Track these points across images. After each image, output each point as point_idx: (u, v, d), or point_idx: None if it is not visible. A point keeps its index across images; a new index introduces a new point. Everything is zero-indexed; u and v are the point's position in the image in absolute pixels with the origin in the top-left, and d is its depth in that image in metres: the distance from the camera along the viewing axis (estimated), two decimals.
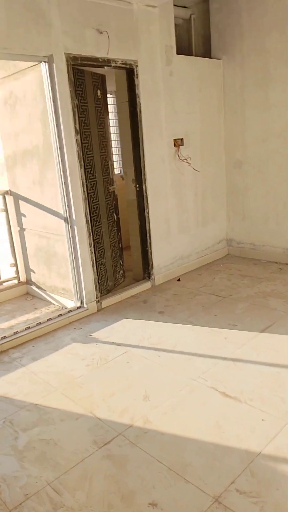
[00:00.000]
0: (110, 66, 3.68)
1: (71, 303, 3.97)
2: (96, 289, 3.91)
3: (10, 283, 4.61)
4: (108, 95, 5.68)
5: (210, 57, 4.83)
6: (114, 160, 6.01)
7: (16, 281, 4.62)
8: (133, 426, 2.33)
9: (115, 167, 6.06)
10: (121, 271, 4.42)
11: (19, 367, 3.05)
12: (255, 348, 3.04)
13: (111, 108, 5.82)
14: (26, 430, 2.37)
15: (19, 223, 4.36)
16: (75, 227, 3.66)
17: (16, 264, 4.58)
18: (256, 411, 2.36)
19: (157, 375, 2.82)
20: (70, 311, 3.83)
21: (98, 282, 3.94)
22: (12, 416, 2.50)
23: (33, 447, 2.24)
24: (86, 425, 2.37)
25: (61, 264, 3.98)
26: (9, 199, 4.36)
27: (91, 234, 3.81)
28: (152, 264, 4.42)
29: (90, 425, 2.37)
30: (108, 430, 2.32)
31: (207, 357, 2.97)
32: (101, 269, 4.03)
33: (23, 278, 4.61)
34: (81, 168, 3.60)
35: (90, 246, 3.80)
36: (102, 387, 2.71)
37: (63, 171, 3.53)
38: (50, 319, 3.69)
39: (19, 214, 4.31)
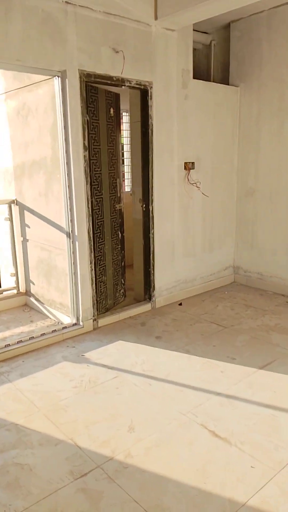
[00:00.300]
0: (124, 85, 3.68)
1: (67, 319, 3.89)
2: (93, 307, 3.81)
3: (9, 293, 4.55)
4: (123, 113, 5.74)
5: (227, 84, 4.82)
6: (126, 178, 6.02)
7: (15, 291, 4.56)
8: (114, 459, 2.20)
9: (125, 185, 6.07)
10: (122, 290, 4.33)
11: (5, 383, 2.95)
12: (252, 385, 2.89)
13: (125, 126, 5.86)
14: (2, 451, 2.26)
15: (23, 233, 4.32)
16: (77, 243, 3.60)
17: (16, 274, 4.52)
18: (246, 456, 2.21)
19: (145, 405, 2.69)
20: (65, 327, 3.73)
21: (96, 300, 3.85)
22: None
23: (7, 471, 2.12)
24: (65, 453, 2.25)
25: (61, 278, 3.91)
26: (15, 209, 4.34)
27: (93, 250, 3.74)
28: (154, 286, 4.33)
29: (69, 453, 2.25)
30: (86, 461, 2.19)
31: (200, 391, 2.83)
32: (101, 287, 3.95)
33: (22, 288, 4.55)
34: (87, 184, 3.55)
35: (91, 263, 3.73)
36: (87, 413, 2.59)
37: (68, 185, 3.50)
38: (43, 334, 3.60)
39: (23, 224, 4.28)
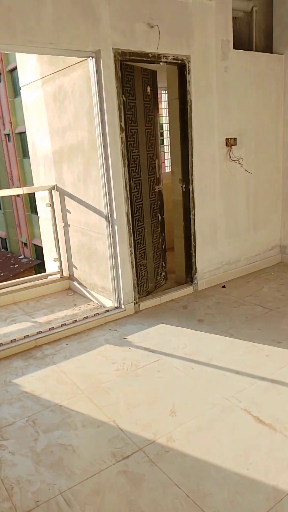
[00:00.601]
0: (161, 61, 3.54)
1: (109, 303, 3.92)
2: (134, 291, 3.81)
3: (53, 277, 4.65)
4: (162, 91, 5.58)
5: (271, 52, 4.52)
6: (165, 158, 5.89)
7: (59, 276, 4.65)
8: (155, 443, 2.21)
9: (165, 165, 5.95)
10: (163, 273, 4.29)
11: (50, 365, 3.04)
12: None
13: (163, 104, 5.70)
14: (47, 432, 2.33)
15: (64, 219, 4.37)
16: (116, 227, 3.59)
17: (60, 259, 4.61)
18: None
19: (187, 389, 2.66)
20: (107, 310, 3.77)
21: (137, 283, 3.84)
22: (36, 416, 2.47)
23: (51, 451, 2.19)
24: (107, 435, 2.28)
25: (101, 262, 3.93)
26: (55, 195, 4.39)
27: (132, 234, 3.71)
28: (195, 268, 4.24)
29: (111, 435, 2.28)
30: (128, 443, 2.21)
31: (244, 375, 2.76)
32: (141, 270, 3.93)
33: (66, 273, 4.64)
34: (124, 166, 3.50)
35: (131, 247, 3.71)
36: (129, 396, 2.61)
37: (106, 169, 3.46)
38: (86, 317, 3.66)
39: (64, 210, 4.33)
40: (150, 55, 3.45)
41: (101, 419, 2.41)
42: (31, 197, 18.87)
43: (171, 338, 3.32)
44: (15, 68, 16.94)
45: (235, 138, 4.22)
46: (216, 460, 2.06)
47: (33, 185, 4.75)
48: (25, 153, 18.69)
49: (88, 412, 2.48)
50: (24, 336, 3.32)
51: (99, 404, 2.54)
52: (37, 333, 3.39)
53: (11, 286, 4.33)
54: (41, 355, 3.17)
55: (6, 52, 3.54)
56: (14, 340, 3.27)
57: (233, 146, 4.23)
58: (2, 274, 17.58)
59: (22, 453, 2.18)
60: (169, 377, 2.79)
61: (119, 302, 3.81)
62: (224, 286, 4.38)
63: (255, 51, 4.47)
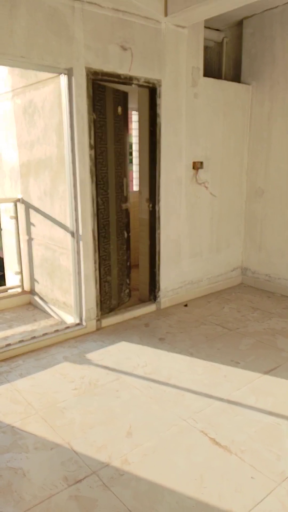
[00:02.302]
0: (133, 83, 3.61)
1: (70, 319, 3.85)
2: (97, 307, 3.77)
3: (13, 291, 4.54)
4: (132, 112, 5.68)
5: (239, 82, 4.72)
6: (133, 177, 5.96)
7: (20, 290, 4.54)
8: (110, 466, 2.16)
9: (133, 184, 6.00)
10: (127, 290, 4.28)
11: (4, 383, 2.93)
12: (255, 391, 2.81)
13: (134, 125, 5.79)
14: None
15: (28, 232, 4.30)
16: (81, 242, 3.56)
17: (21, 273, 4.51)
18: (246, 466, 2.14)
19: (145, 409, 2.63)
20: (67, 327, 3.70)
21: (100, 300, 3.81)
22: None
23: (0, 475, 2.09)
24: (60, 458, 2.21)
25: (64, 277, 3.87)
26: (20, 207, 4.32)
27: (98, 250, 3.69)
28: (159, 286, 4.27)
29: (64, 458, 2.21)
30: (82, 466, 2.15)
31: (202, 395, 2.77)
32: (105, 287, 3.90)
33: (27, 287, 4.53)
34: (92, 183, 3.51)
35: (95, 263, 3.68)
36: (85, 416, 2.55)
37: (73, 185, 3.45)
38: (46, 333, 3.57)
39: (28, 223, 4.26)
40: (122, 77, 3.51)
41: (55, 440, 2.34)
42: None
43: (132, 356, 3.29)
44: None
45: (201, 162, 4.34)
46: (171, 483, 2.04)
47: None
48: None
49: (41, 433, 2.40)
50: None
51: (53, 425, 2.47)
52: None
53: None
54: None
55: None
56: None
57: (199, 170, 4.34)
58: None
59: None
60: (127, 396, 2.76)
61: (81, 319, 3.75)
62: (186, 305, 4.42)
63: (224, 79, 4.66)
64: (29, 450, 2.26)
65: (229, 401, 2.71)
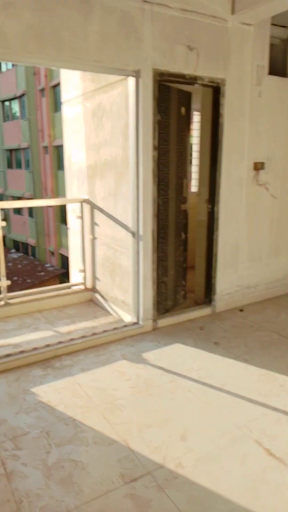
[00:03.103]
0: (197, 83, 3.60)
1: (128, 317, 3.95)
2: (154, 308, 3.83)
3: (77, 288, 4.73)
4: (194, 112, 5.62)
5: None
6: (192, 178, 5.90)
7: (82, 287, 4.73)
8: (164, 467, 2.20)
9: (191, 185, 5.96)
10: (183, 292, 4.29)
11: (67, 376, 3.08)
12: None
13: (195, 125, 5.73)
14: (59, 445, 2.37)
15: (92, 232, 4.45)
16: (141, 243, 3.63)
17: (84, 271, 4.68)
18: None
19: (199, 413, 2.65)
20: (125, 326, 3.80)
21: (157, 300, 3.86)
22: (50, 428, 2.51)
23: (62, 466, 2.22)
24: (117, 454, 2.30)
25: (124, 277, 3.97)
26: (86, 208, 4.48)
27: (156, 251, 3.75)
28: (214, 290, 4.23)
29: (121, 455, 2.29)
30: (137, 465, 2.22)
31: (257, 404, 2.73)
32: (161, 288, 3.95)
33: (89, 285, 4.71)
34: (154, 184, 3.56)
35: (154, 263, 3.74)
36: (141, 415, 2.62)
37: (136, 186, 3.53)
38: (105, 331, 3.70)
39: (92, 223, 4.41)
40: (187, 77, 3.51)
41: (113, 437, 2.43)
42: (62, 208, 19.25)
43: (186, 359, 3.31)
44: (57, 84, 17.47)
45: (263, 163, 4.22)
46: (224, 491, 2.04)
47: (65, 197, 4.88)
48: (60, 165, 19.18)
49: (100, 428, 2.51)
50: (45, 345, 3.39)
51: (111, 421, 2.56)
52: (58, 343, 3.45)
53: (37, 294, 4.43)
54: (60, 366, 3.22)
55: (52, 67, 3.70)
56: (35, 348, 3.34)
57: (260, 170, 4.22)
58: (28, 280, 17.93)
59: (34, 465, 2.22)
60: (182, 399, 2.79)
61: (138, 318, 3.83)
62: (241, 310, 4.34)
63: None
64: (88, 443, 2.38)
65: (285, 412, 2.64)
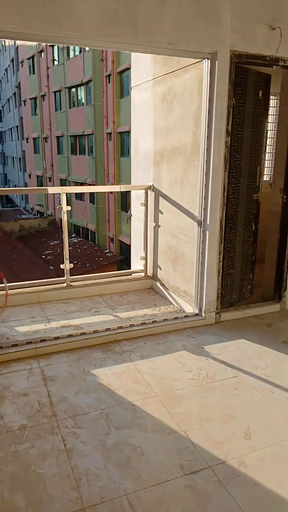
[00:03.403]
0: (278, 65, 3.38)
1: (189, 308, 3.85)
2: (217, 300, 3.70)
3: (137, 275, 4.71)
4: (271, 97, 5.33)
5: None
6: (265, 166, 5.63)
7: (143, 274, 4.70)
8: (226, 463, 2.10)
9: (264, 174, 5.68)
10: (249, 286, 4.11)
11: (126, 361, 3.07)
12: None
13: (272, 110, 5.44)
14: (118, 428, 2.35)
15: (156, 219, 4.40)
16: (207, 232, 3.51)
17: (146, 258, 4.65)
18: None
19: (265, 413, 2.50)
20: (186, 316, 3.71)
21: (221, 293, 3.72)
22: (109, 410, 2.51)
23: (121, 449, 2.20)
24: (177, 445, 2.23)
25: (187, 266, 3.87)
26: (151, 195, 4.43)
27: (223, 241, 3.60)
28: (285, 285, 4.00)
29: (180, 445, 2.23)
30: (197, 458, 2.14)
31: None
32: (227, 280, 3.80)
33: (150, 272, 4.67)
34: (225, 171, 3.41)
35: (220, 254, 3.60)
36: (202, 408, 2.53)
37: (206, 172, 3.40)
38: (166, 319, 3.64)
39: (157, 210, 4.35)
40: (268, 58, 3.31)
41: (172, 427, 2.37)
42: (123, 195, 19.46)
43: (252, 356, 3.16)
44: (124, 70, 17.57)
45: None
46: None
47: (128, 184, 4.86)
48: (123, 152, 19.35)
49: (159, 416, 2.45)
50: (105, 329, 3.40)
51: (171, 411, 2.50)
52: (118, 327, 3.45)
53: (98, 278, 4.47)
54: (119, 350, 3.22)
55: (126, 51, 3.65)
56: (96, 331, 3.37)
57: None
58: (87, 265, 18.44)
59: (93, 445, 2.21)
60: (246, 396, 2.65)
61: (200, 310, 3.72)
62: None
63: None
64: (147, 430, 2.33)
65: None
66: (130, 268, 5.02)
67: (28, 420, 2.39)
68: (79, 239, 23.74)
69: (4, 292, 3.48)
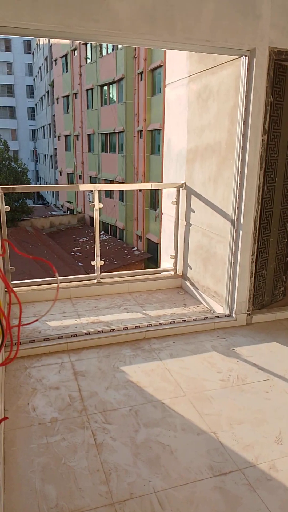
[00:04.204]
0: None
1: (220, 309, 3.81)
2: (249, 301, 3.64)
3: (166, 274, 4.70)
4: None
5: None
6: None
7: (172, 273, 4.69)
8: (256, 467, 2.07)
9: None
10: (282, 288, 4.02)
11: (155, 359, 3.07)
12: None
13: None
14: (147, 426, 2.35)
15: (187, 218, 4.37)
16: (241, 232, 3.46)
17: (176, 257, 4.63)
18: None
19: None
20: (217, 317, 3.68)
21: (253, 294, 3.66)
22: (139, 407, 2.52)
23: (150, 446, 2.20)
24: (206, 445, 2.21)
25: (218, 266, 3.83)
26: (183, 193, 4.40)
27: (257, 241, 3.54)
28: None
29: (210, 446, 2.21)
30: (227, 460, 2.11)
31: None
32: (259, 281, 3.73)
33: (179, 271, 4.65)
34: (261, 170, 3.34)
35: (253, 254, 3.54)
36: (232, 410, 2.50)
37: (240, 171, 3.35)
38: (195, 319, 3.62)
39: (188, 209, 4.32)
40: None
41: (201, 427, 2.35)
42: (152, 194, 19.48)
43: (284, 359, 3.09)
44: (156, 67, 17.54)
45: None
46: None
47: (157, 182, 4.85)
48: (153, 150, 19.34)
49: (188, 416, 2.44)
50: (135, 326, 3.42)
51: (200, 411, 2.48)
52: (147, 325, 3.46)
53: (128, 276, 4.49)
54: (149, 348, 3.22)
55: (162, 49, 3.64)
56: (125, 328, 3.39)
57: None
58: (115, 262, 18.59)
59: (122, 441, 2.23)
60: (279, 400, 2.60)
61: (231, 311, 3.68)
62: None
63: None
64: (177, 429, 2.33)
65: None
66: (157, 267, 5.02)
67: (60, 413, 2.44)
68: (108, 237, 23.96)
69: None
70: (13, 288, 3.95)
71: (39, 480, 1.97)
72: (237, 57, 3.23)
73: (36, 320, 2.00)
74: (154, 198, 19.50)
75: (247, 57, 3.14)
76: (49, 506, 1.84)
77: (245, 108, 3.21)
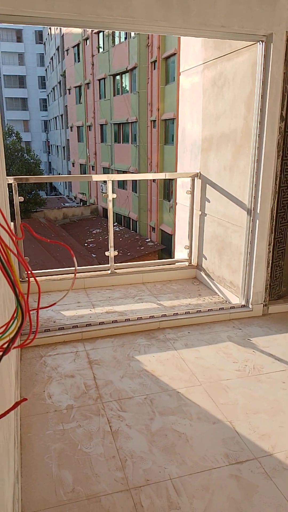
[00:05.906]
0: None
1: (235, 299, 3.79)
2: (265, 292, 3.61)
3: (181, 264, 4.69)
4: None
5: None
6: None
7: (187, 264, 4.67)
8: (272, 456, 2.07)
9: None
10: None
11: (170, 349, 3.07)
12: None
13: None
14: (163, 414, 2.37)
15: (202, 207, 4.33)
16: (257, 221, 3.41)
17: (190, 247, 4.61)
18: None
19: None
20: (232, 307, 3.65)
21: (269, 284, 3.63)
22: (154, 396, 2.53)
23: (165, 434, 2.21)
24: (222, 434, 2.22)
25: (234, 256, 3.80)
26: (197, 182, 4.36)
27: (273, 231, 3.49)
28: None
29: (226, 435, 2.21)
30: (243, 449, 2.11)
31: None
32: (276, 271, 3.69)
33: (194, 262, 4.63)
34: (278, 158, 3.29)
35: (269, 244, 3.50)
36: (248, 400, 2.49)
37: (257, 159, 3.29)
38: (211, 309, 3.60)
39: (203, 199, 4.28)
40: None
41: (217, 416, 2.35)
42: (166, 184, 19.35)
43: None
44: (170, 56, 17.30)
45: None
46: None
47: (171, 171, 4.81)
48: (167, 139, 19.16)
49: (204, 405, 2.45)
50: (149, 316, 3.42)
51: (216, 401, 2.48)
52: (162, 315, 3.46)
53: (142, 266, 4.49)
54: (163, 338, 3.22)
55: (177, 36, 3.59)
56: (140, 318, 3.39)
57: None
58: (129, 253, 18.61)
59: (138, 428, 2.25)
60: None
61: (247, 301, 3.65)
62: None
63: None
64: (192, 418, 2.33)
65: None
66: (171, 257, 4.99)
67: (75, 401, 2.46)
68: (121, 228, 23.96)
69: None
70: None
71: (55, 465, 2.00)
72: (254, 42, 3.16)
73: (55, 304, 2.02)
74: (167, 189, 19.38)
75: (264, 43, 3.07)
76: (65, 491, 1.87)
77: (261, 95, 3.15)
